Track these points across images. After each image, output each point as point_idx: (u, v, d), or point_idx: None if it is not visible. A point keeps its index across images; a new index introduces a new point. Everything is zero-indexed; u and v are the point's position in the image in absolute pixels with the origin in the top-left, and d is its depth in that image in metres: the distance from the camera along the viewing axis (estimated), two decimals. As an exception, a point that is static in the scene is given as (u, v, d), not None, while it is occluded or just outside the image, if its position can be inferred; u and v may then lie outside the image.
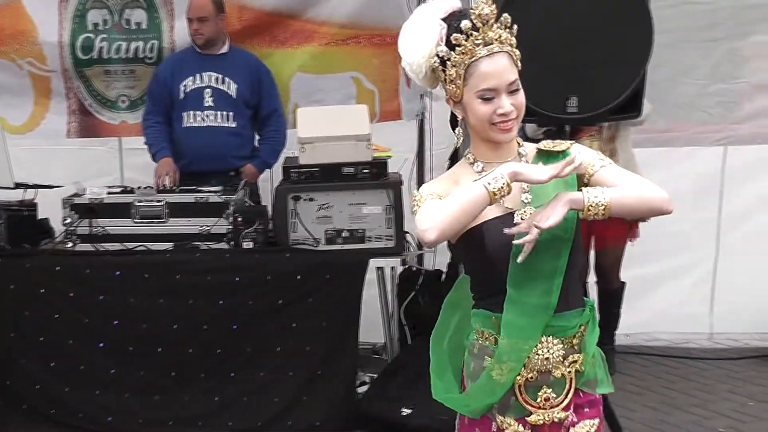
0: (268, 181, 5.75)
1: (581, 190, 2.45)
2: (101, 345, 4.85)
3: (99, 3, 5.83)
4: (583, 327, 2.57)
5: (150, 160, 5.62)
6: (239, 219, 4.97)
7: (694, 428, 5.02)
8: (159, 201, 5.02)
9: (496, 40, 2.46)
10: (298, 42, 5.92)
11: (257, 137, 5.75)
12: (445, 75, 2.51)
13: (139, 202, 5.02)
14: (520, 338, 2.52)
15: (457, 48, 2.47)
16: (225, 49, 5.62)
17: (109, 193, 5.10)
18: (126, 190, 5.19)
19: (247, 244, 4.95)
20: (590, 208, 2.42)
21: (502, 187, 2.40)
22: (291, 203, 5.00)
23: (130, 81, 5.94)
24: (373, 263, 5.03)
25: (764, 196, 6.28)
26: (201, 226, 5.00)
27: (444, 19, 2.51)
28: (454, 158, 5.34)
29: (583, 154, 2.53)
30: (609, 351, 5.81)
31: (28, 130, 5.93)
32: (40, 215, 5.21)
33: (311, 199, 5.01)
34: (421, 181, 6.16)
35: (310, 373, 4.87)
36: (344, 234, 5.02)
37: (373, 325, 5.53)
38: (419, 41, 2.53)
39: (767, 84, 6.16)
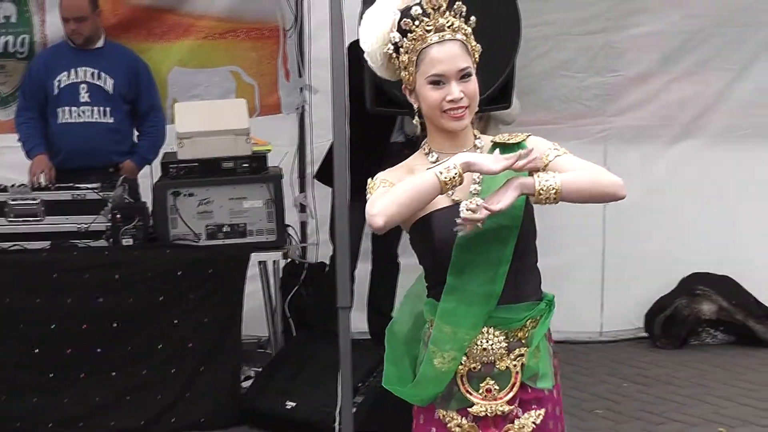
0: (149, 177, 5.68)
1: (532, 175, 2.44)
2: (-24, 347, 4.74)
3: (-34, -3, 5.68)
4: (531, 321, 2.55)
5: (25, 158, 5.49)
6: (118, 216, 4.90)
7: (573, 410, 5.15)
8: (34, 199, 4.93)
9: (448, 27, 2.47)
10: (175, 36, 5.86)
11: (136, 133, 5.68)
12: (399, 62, 2.52)
13: (13, 200, 4.91)
14: (458, 326, 2.50)
15: (408, 34, 2.48)
16: (101, 43, 5.53)
17: (-19, 191, 4.98)
18: (-1, 189, 5.07)
19: (127, 241, 4.90)
20: (541, 191, 2.42)
21: (453, 177, 2.39)
22: (171, 199, 4.96)
23: (0, 77, 5.79)
24: (255, 257, 5.03)
25: (645, 190, 6.44)
26: (79, 224, 4.92)
27: (400, 9, 2.51)
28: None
29: (538, 145, 2.54)
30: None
31: None
32: None
33: (191, 195, 4.98)
34: (302, 174, 6.18)
35: (193, 370, 4.85)
36: (225, 229, 5.00)
37: (257, 320, 5.53)
38: (374, 28, 2.53)
39: (643, 76, 6.32)
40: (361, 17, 3.81)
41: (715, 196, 6.39)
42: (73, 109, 5.44)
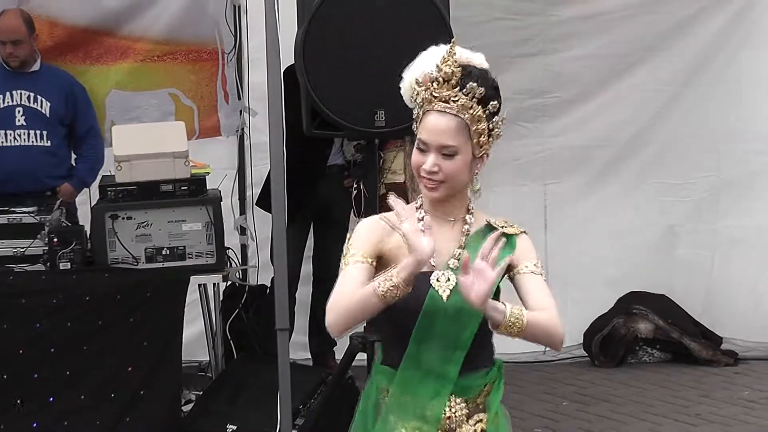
0: (87, 201, 5.64)
1: (505, 305, 2.44)
2: None
3: None
4: (487, 387, 2.59)
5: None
6: (55, 239, 4.86)
7: (512, 430, 5.18)
8: (-31, 223, 4.86)
9: (453, 101, 2.48)
10: (113, 59, 5.83)
11: (74, 156, 5.64)
12: (414, 110, 2.56)
13: (-52, 224, 4.85)
14: (416, 395, 2.52)
15: (423, 91, 2.52)
16: (36, 66, 5.48)
17: None
18: (-68, 214, 5.00)
19: (65, 265, 4.85)
20: (507, 326, 2.42)
21: (391, 288, 2.40)
22: (109, 222, 4.92)
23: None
24: (195, 280, 5.01)
25: (583, 212, 6.51)
26: (15, 248, 4.87)
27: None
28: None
29: (525, 249, 2.56)
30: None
31: None
32: None
33: (129, 218, 4.95)
34: (242, 197, 6.16)
35: (132, 393, 4.80)
36: (164, 252, 4.97)
37: (198, 344, 5.51)
38: (413, 68, 2.57)
39: (578, 99, 6.40)
40: (297, 41, 3.87)
41: (654, 215, 6.49)
42: (9, 132, 5.39)
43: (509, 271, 2.53)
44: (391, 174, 5.84)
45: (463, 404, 2.55)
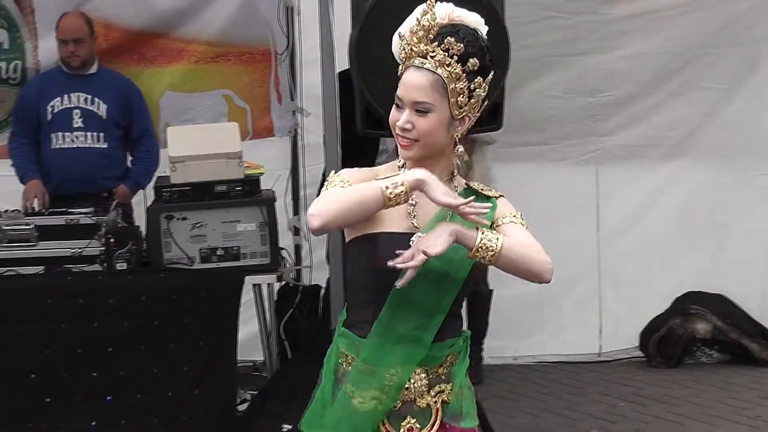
0: (142, 202, 5.69)
1: (478, 229, 2.38)
2: (-30, 374, 4.73)
3: (-43, 24, 5.70)
4: (451, 357, 2.50)
5: (14, 188, 5.48)
6: (111, 240, 4.90)
7: (567, 431, 5.16)
8: (27, 224, 4.92)
9: (431, 57, 2.40)
10: (167, 60, 5.89)
11: (129, 158, 5.69)
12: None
13: (6, 225, 4.91)
14: (379, 365, 2.43)
15: (405, 45, 2.44)
16: (94, 69, 5.55)
17: (-26, 217, 4.98)
18: (-8, 214, 5.07)
19: (121, 266, 4.89)
20: (480, 249, 2.36)
21: (399, 194, 2.34)
22: (164, 223, 4.96)
23: (-8, 103, 5.81)
24: (249, 280, 5.03)
25: (637, 209, 6.46)
26: (72, 249, 4.92)
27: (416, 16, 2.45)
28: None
29: (504, 207, 2.51)
30: (476, 360, 5.95)
31: None
32: None
33: (184, 218, 4.98)
34: (296, 197, 6.19)
35: (188, 393, 4.83)
36: (219, 252, 5.00)
37: (253, 343, 5.53)
38: (404, 24, 2.48)
39: (631, 98, 6.35)
40: (351, 42, 3.88)
41: (707, 214, 6.42)
42: (67, 134, 5.46)
43: (492, 228, 2.46)
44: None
45: (423, 374, 2.47)
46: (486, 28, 2.51)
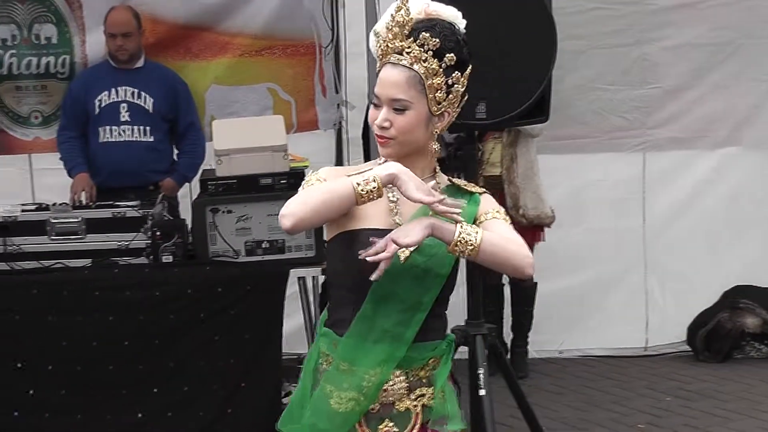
0: (188, 195, 5.72)
1: (457, 223, 2.34)
2: (18, 366, 4.77)
3: (6, 18, 5.75)
4: (433, 360, 2.45)
5: (63, 181, 5.54)
6: (158, 233, 4.93)
7: (614, 425, 5.12)
8: (75, 217, 4.95)
9: (407, 53, 2.36)
10: (212, 54, 5.91)
11: (176, 151, 5.72)
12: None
13: (55, 218, 4.95)
14: (357, 364, 2.39)
15: (381, 42, 2.41)
16: (141, 63, 5.59)
17: (24, 210, 5.02)
18: (41, 207, 5.11)
19: (167, 258, 4.92)
20: (459, 243, 2.32)
21: (371, 191, 2.30)
22: (209, 216, 4.97)
23: (42, 97, 5.86)
24: (294, 273, 5.03)
25: (684, 202, 6.40)
26: (119, 242, 4.95)
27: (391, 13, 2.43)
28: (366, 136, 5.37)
29: (486, 203, 2.47)
30: (521, 354, 5.92)
31: (-61, 149, 5.83)
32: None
33: (230, 211, 4.99)
34: (340, 190, 6.17)
35: (234, 386, 4.85)
36: (264, 245, 5.00)
37: (298, 337, 5.54)
38: (380, 20, 2.46)
39: (677, 89, 6.29)
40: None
41: (754, 207, 6.34)
42: (114, 128, 5.50)
43: (474, 224, 2.43)
44: (489, 166, 5.80)
45: (403, 377, 2.42)
46: (464, 21, 2.48)
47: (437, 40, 2.37)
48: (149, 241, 4.93)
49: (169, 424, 4.82)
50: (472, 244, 2.32)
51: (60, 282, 4.83)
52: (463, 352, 4.07)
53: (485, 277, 4.22)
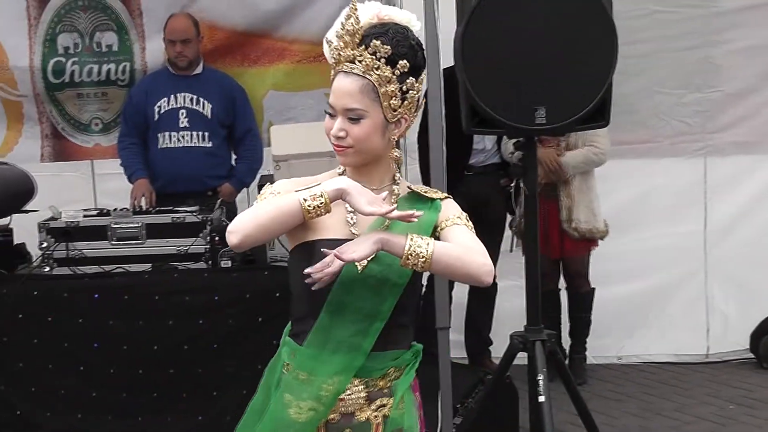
0: (246, 200, 5.75)
1: (407, 236, 2.31)
2: (81, 369, 4.83)
3: (69, 26, 5.83)
4: (395, 370, 2.43)
5: (124, 186, 5.61)
6: (216, 238, 4.96)
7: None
8: (136, 222, 5.01)
9: (359, 61, 2.35)
10: (269, 60, 5.94)
11: (234, 156, 5.76)
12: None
13: (116, 224, 5.01)
14: (315, 374, 2.38)
15: (334, 51, 2.39)
16: (199, 69, 5.64)
17: (85, 215, 5.08)
18: (102, 213, 5.17)
19: (225, 263, 4.95)
20: (410, 256, 2.28)
21: (318, 206, 2.29)
22: (268, 221, 4.99)
23: (102, 104, 5.94)
24: (352, 279, 5.02)
25: (747, 207, 6.30)
26: (178, 247, 4.99)
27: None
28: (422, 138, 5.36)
29: (448, 209, 2.44)
30: (580, 360, 5.87)
31: (1, 155, 5.91)
32: (16, 240, 5.19)
33: (288, 217, 5.00)
34: (397, 196, 6.16)
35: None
36: (322, 250, 5.01)
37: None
38: (332, 29, 2.44)
39: (742, 93, 6.20)
40: (456, 39, 3.85)
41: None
42: (173, 134, 5.56)
43: (435, 231, 2.40)
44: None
45: (362, 386, 2.40)
46: (419, 24, 2.45)
47: (389, 47, 2.34)
48: (208, 246, 4.97)
49: (227, 427, 4.81)
50: (423, 257, 2.28)
51: (121, 286, 4.88)
52: (522, 358, 4.06)
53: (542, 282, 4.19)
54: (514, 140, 4.57)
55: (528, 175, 4.04)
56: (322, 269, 2.31)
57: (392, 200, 2.42)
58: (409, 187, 2.48)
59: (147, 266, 4.97)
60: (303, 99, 5.99)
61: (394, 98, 2.36)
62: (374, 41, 2.33)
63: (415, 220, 2.33)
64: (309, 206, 2.30)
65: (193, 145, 5.57)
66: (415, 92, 2.39)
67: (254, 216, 2.34)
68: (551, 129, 3.90)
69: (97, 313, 4.83)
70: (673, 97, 6.17)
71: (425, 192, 2.47)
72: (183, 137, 5.56)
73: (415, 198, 2.45)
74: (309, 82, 5.98)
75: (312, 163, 5.06)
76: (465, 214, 2.46)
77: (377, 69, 2.34)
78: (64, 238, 4.97)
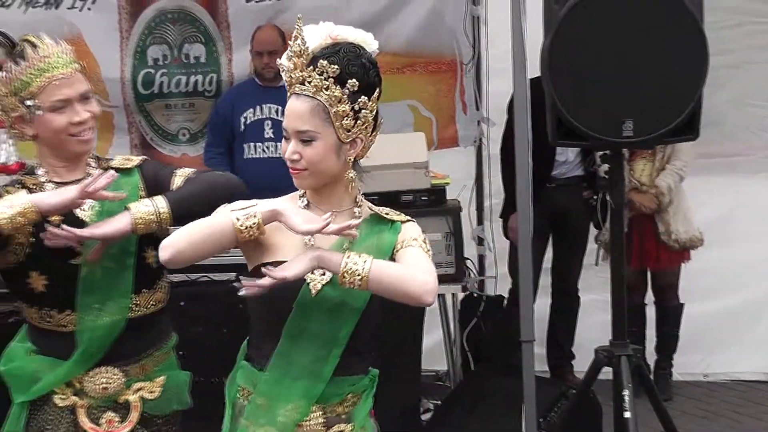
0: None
1: (344, 254, 2.29)
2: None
3: (159, 39, 5.94)
4: (353, 396, 2.43)
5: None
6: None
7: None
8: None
9: (308, 83, 2.33)
10: (354, 72, 5.96)
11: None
12: None
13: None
14: (275, 400, 2.36)
15: (285, 73, 2.38)
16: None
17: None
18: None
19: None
20: (346, 274, 2.26)
21: (251, 227, 2.28)
22: (351, 231, 5.01)
23: (189, 114, 6.04)
24: (434, 290, 5.01)
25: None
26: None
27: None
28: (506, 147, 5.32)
29: (408, 232, 2.41)
30: (665, 376, 5.76)
31: (93, 165, 6.03)
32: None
33: (371, 227, 5.02)
34: (480, 208, 6.16)
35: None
36: (404, 261, 5.01)
37: (436, 353, 5.53)
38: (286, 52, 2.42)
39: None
40: (543, 50, 3.83)
41: None
42: (258, 144, 5.62)
43: (393, 253, 2.37)
44: (636, 188, 5.69)
45: (320, 412, 2.38)
46: (375, 43, 2.45)
47: (336, 66, 2.32)
48: (292, 257, 5.00)
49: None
50: (359, 274, 2.26)
51: (206, 295, 4.93)
52: (606, 372, 4.01)
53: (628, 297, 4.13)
54: (601, 153, 4.52)
55: (615, 188, 3.99)
56: (252, 286, 2.29)
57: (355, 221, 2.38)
58: (370, 209, 2.47)
59: (232, 275, 5.01)
60: (386, 110, 5.85)
61: (346, 118, 2.35)
62: (321, 61, 2.32)
63: (354, 232, 2.33)
64: (242, 226, 2.29)
65: (278, 155, 5.59)
66: (368, 111, 2.38)
67: (188, 233, 2.34)
68: (639, 142, 3.85)
69: (183, 320, 4.84)
70: (763, 110, 6.05)
71: (386, 214, 2.46)
72: (268, 148, 5.62)
73: (376, 220, 2.44)
74: (393, 93, 5.97)
75: (395, 174, 5.10)
76: (424, 236, 2.44)
77: (326, 89, 2.33)
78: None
